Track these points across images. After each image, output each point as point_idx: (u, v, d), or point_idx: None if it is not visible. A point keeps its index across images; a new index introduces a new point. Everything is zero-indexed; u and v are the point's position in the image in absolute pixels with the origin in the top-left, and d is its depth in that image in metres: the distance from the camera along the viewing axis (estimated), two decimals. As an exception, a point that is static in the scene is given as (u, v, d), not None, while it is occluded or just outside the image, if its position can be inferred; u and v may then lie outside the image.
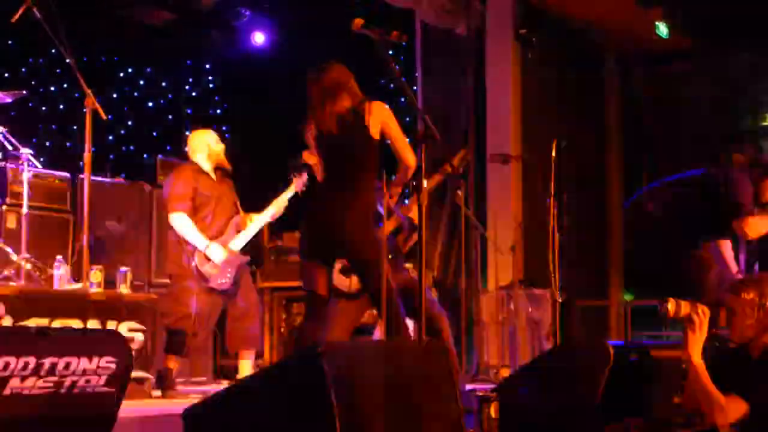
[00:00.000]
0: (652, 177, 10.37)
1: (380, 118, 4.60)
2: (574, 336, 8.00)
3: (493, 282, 8.10)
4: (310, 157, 4.83)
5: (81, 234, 5.77)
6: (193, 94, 10.17)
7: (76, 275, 5.76)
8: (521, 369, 5.45)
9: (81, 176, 6.09)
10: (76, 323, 5.01)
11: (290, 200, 5.98)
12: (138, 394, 5.16)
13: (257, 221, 5.95)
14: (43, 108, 8.59)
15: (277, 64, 9.70)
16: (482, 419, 3.54)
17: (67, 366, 2.81)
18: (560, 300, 5.47)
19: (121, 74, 9.47)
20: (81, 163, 5.61)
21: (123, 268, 5.68)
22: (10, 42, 8.26)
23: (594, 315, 9.75)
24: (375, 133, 4.59)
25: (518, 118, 9.10)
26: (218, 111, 10.37)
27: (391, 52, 4.18)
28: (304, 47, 9.33)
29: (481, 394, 3.62)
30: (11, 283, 5.61)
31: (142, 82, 9.65)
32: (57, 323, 4.93)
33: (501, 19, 9.12)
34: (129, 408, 3.52)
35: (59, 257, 5.60)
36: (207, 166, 5.91)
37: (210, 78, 10.33)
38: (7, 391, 2.69)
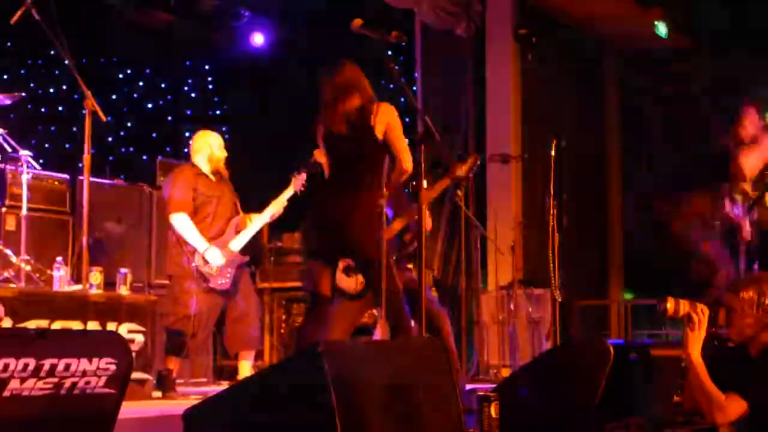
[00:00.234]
0: (651, 176, 10.40)
1: (385, 120, 4.61)
2: (574, 335, 8.01)
3: (493, 282, 8.10)
4: (321, 156, 4.83)
5: (80, 235, 5.77)
6: (193, 95, 10.17)
7: (76, 277, 5.77)
8: (521, 368, 5.46)
9: (80, 178, 6.09)
10: (76, 325, 5.01)
11: (289, 200, 5.98)
12: (138, 395, 5.16)
13: (257, 221, 5.96)
14: (43, 109, 8.59)
15: (276, 65, 9.71)
16: (482, 419, 3.53)
17: (66, 367, 2.81)
18: (560, 299, 5.47)
19: (121, 75, 9.47)
20: (80, 164, 5.61)
21: (123, 270, 5.67)
22: (9, 43, 8.26)
23: (594, 314, 9.75)
24: (380, 133, 4.60)
25: (518, 118, 9.11)
26: (218, 112, 10.37)
27: (390, 53, 4.19)
28: (303, 48, 9.35)
29: (481, 393, 3.62)
30: (11, 285, 5.61)
31: (141, 84, 9.65)
32: (57, 325, 4.93)
33: (500, 19, 9.13)
34: (129, 409, 3.52)
35: (59, 259, 5.60)
36: (207, 168, 5.91)
37: (209, 79, 10.33)
38: (6, 393, 2.69)
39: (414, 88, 9.36)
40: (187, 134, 9.54)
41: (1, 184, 6.46)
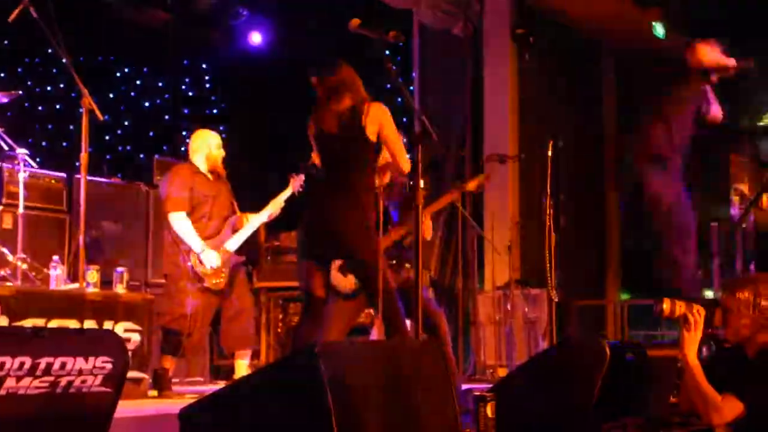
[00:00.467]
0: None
1: (377, 120, 4.60)
2: (571, 335, 8.01)
3: (489, 282, 8.11)
4: (317, 158, 4.84)
5: (77, 234, 5.76)
6: (190, 93, 10.16)
7: (73, 275, 5.77)
8: (518, 368, 5.45)
9: (77, 176, 6.08)
10: (72, 323, 5.00)
11: (287, 201, 5.98)
12: (134, 394, 5.15)
13: (253, 221, 5.96)
14: (40, 108, 8.59)
15: (274, 64, 9.70)
16: (479, 419, 3.54)
17: (63, 366, 2.80)
18: (557, 299, 5.47)
19: (118, 74, 9.46)
20: (77, 163, 5.61)
21: (119, 268, 5.67)
22: (6, 42, 8.25)
23: (591, 314, 9.75)
24: (371, 134, 4.60)
25: (515, 118, 9.11)
26: (215, 111, 10.36)
27: (388, 53, 4.19)
28: (301, 47, 9.34)
29: (477, 393, 3.62)
30: (7, 284, 5.60)
31: (138, 82, 9.65)
32: (53, 323, 4.92)
33: (498, 19, 9.13)
34: (125, 408, 3.52)
35: (55, 257, 5.60)
36: (204, 167, 5.91)
37: (207, 78, 10.33)
38: (2, 392, 2.69)
39: (411, 87, 9.36)
40: (184, 133, 9.54)
41: (-2, 182, 6.46)
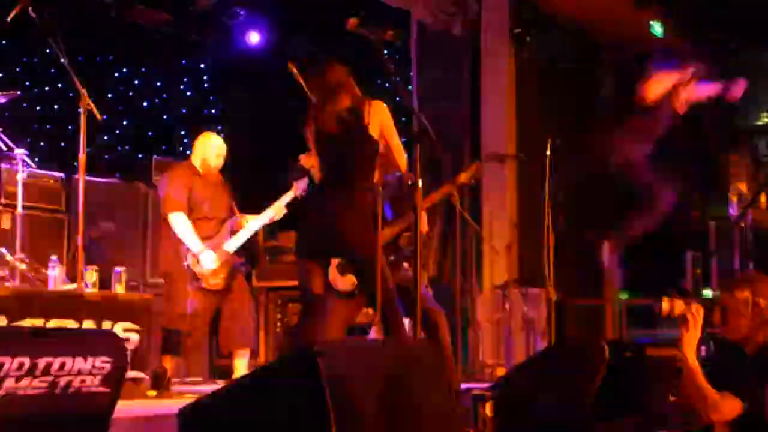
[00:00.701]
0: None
1: (380, 119, 4.61)
2: (569, 335, 8.01)
3: (488, 281, 8.11)
4: (308, 160, 4.84)
5: (76, 234, 5.76)
6: (189, 94, 10.15)
7: (71, 275, 5.76)
8: (516, 368, 5.46)
9: (76, 176, 6.08)
10: (71, 323, 5.01)
11: (288, 205, 5.96)
12: (133, 394, 5.15)
13: (253, 224, 5.95)
14: (38, 108, 8.58)
15: (272, 64, 9.68)
16: (478, 418, 3.54)
17: (62, 366, 2.80)
18: (555, 299, 5.47)
19: (116, 74, 9.45)
20: (76, 163, 5.61)
21: (118, 268, 5.67)
22: (4, 42, 8.24)
23: (589, 314, 9.75)
24: (374, 132, 4.60)
25: (513, 117, 9.11)
26: (213, 111, 10.35)
27: (386, 52, 4.19)
28: (299, 47, 9.33)
29: (476, 392, 3.62)
30: (6, 284, 5.60)
31: (137, 82, 9.63)
32: (52, 323, 4.92)
33: (496, 18, 9.13)
34: (124, 408, 3.52)
35: (54, 257, 5.60)
36: (204, 169, 5.93)
37: (205, 78, 10.32)
38: (1, 392, 2.69)
39: (409, 87, 9.36)
40: (182, 133, 9.54)
41: (-4, 182, 6.45)
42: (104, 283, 5.58)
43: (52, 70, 8.44)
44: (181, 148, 9.32)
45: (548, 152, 5.83)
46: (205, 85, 10.34)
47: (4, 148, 6.21)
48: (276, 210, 5.97)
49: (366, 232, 4.60)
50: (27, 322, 4.82)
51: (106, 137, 9.04)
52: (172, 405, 4.14)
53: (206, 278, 5.67)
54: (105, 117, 5.60)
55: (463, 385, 5.51)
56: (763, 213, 7.87)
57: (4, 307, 4.78)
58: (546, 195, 5.67)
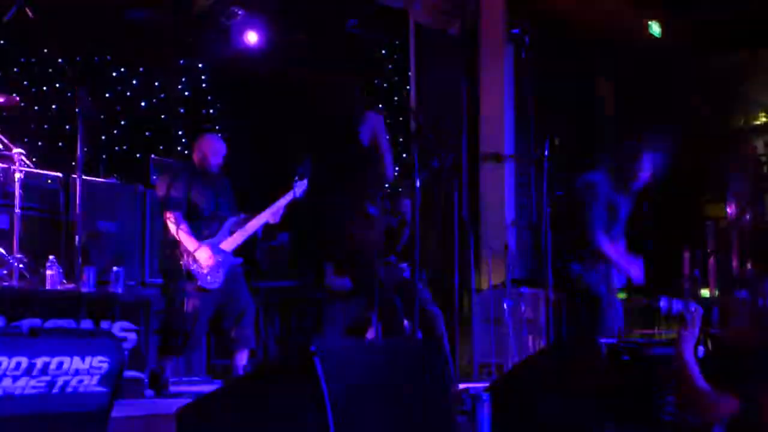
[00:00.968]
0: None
1: (372, 127, 4.64)
2: (568, 335, 8.01)
3: (486, 281, 8.11)
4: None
5: (74, 234, 5.76)
6: (186, 93, 10.15)
7: (69, 275, 5.76)
8: (514, 368, 5.46)
9: (73, 176, 6.08)
10: (69, 323, 5.00)
11: (288, 206, 5.95)
12: (131, 394, 5.15)
13: (252, 223, 5.95)
14: (36, 108, 8.57)
15: (270, 64, 9.68)
16: (475, 418, 3.54)
17: (59, 366, 2.81)
18: (553, 299, 5.48)
19: (114, 74, 9.44)
20: (73, 163, 5.60)
21: (116, 268, 5.67)
22: (1, 41, 8.23)
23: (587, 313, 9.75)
24: (366, 140, 4.62)
25: (511, 117, 9.11)
26: (211, 111, 10.35)
27: (384, 52, 4.20)
28: (297, 47, 9.33)
29: (473, 393, 3.63)
30: (4, 284, 5.60)
31: (134, 82, 9.62)
32: (50, 323, 4.92)
33: (494, 18, 9.14)
34: (122, 408, 3.52)
35: (52, 257, 5.59)
36: (203, 168, 5.93)
37: (203, 77, 10.31)
38: (-1, 392, 2.69)
39: (407, 87, 9.36)
40: (180, 133, 9.53)
41: (-6, 182, 6.44)
42: (102, 282, 5.57)
43: (50, 70, 8.44)
44: (179, 148, 9.31)
45: (546, 152, 5.83)
46: (204, 85, 10.34)
47: (2, 148, 6.20)
48: (275, 210, 5.96)
49: (354, 235, 4.62)
50: (25, 322, 4.82)
51: (103, 137, 9.04)
52: (170, 405, 4.14)
53: (204, 277, 5.67)
54: (102, 117, 5.60)
55: (461, 385, 5.52)
56: (761, 213, 7.89)
57: (2, 307, 4.78)
58: (543, 195, 5.67)
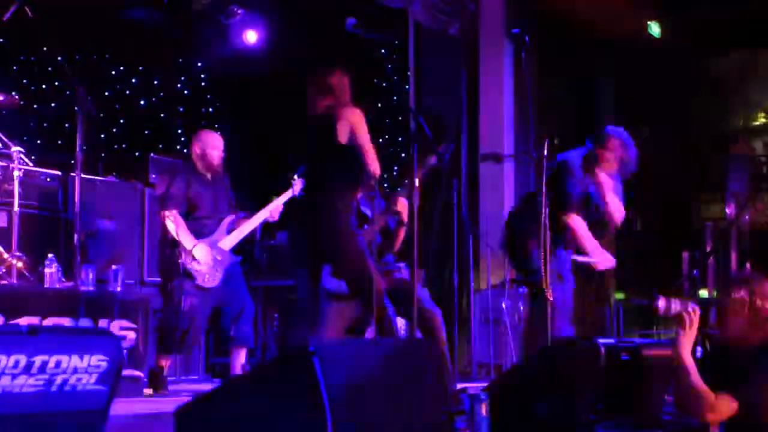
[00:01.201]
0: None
1: (348, 123, 4.62)
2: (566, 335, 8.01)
3: (485, 280, 8.11)
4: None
5: (72, 232, 5.76)
6: (185, 92, 10.14)
7: (68, 273, 5.76)
8: (512, 368, 5.46)
9: (72, 174, 6.08)
10: (67, 322, 5.00)
11: (287, 204, 5.95)
12: (129, 393, 5.15)
13: (251, 222, 5.95)
14: (35, 106, 8.56)
15: (269, 63, 9.68)
16: (473, 418, 3.54)
17: (58, 364, 2.80)
18: (552, 299, 5.47)
19: (113, 72, 9.44)
20: (72, 161, 5.60)
21: (115, 267, 5.67)
22: (1, 40, 8.23)
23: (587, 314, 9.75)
24: (342, 137, 4.61)
25: (511, 117, 9.11)
26: (210, 109, 10.35)
27: (384, 52, 4.19)
28: (296, 46, 9.33)
29: (472, 392, 3.62)
30: (2, 282, 5.60)
31: (133, 81, 9.62)
32: (48, 321, 4.92)
33: (494, 18, 9.14)
34: (120, 406, 3.52)
35: (51, 255, 5.59)
36: (202, 167, 5.93)
37: (202, 76, 10.31)
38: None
39: (407, 87, 9.36)
40: (179, 132, 9.53)
41: (-8, 180, 6.44)
42: (101, 281, 5.57)
43: (49, 68, 8.43)
44: (179, 147, 9.31)
45: (545, 152, 5.82)
46: (203, 84, 10.34)
47: (1, 146, 6.20)
48: (274, 208, 5.96)
49: (343, 236, 4.62)
50: (23, 321, 4.82)
51: (102, 135, 9.03)
52: (168, 404, 4.14)
53: (202, 276, 5.67)
54: (102, 115, 5.60)
55: (459, 385, 5.52)
56: (760, 213, 7.89)
57: (0, 305, 4.78)
58: (542, 194, 5.66)
